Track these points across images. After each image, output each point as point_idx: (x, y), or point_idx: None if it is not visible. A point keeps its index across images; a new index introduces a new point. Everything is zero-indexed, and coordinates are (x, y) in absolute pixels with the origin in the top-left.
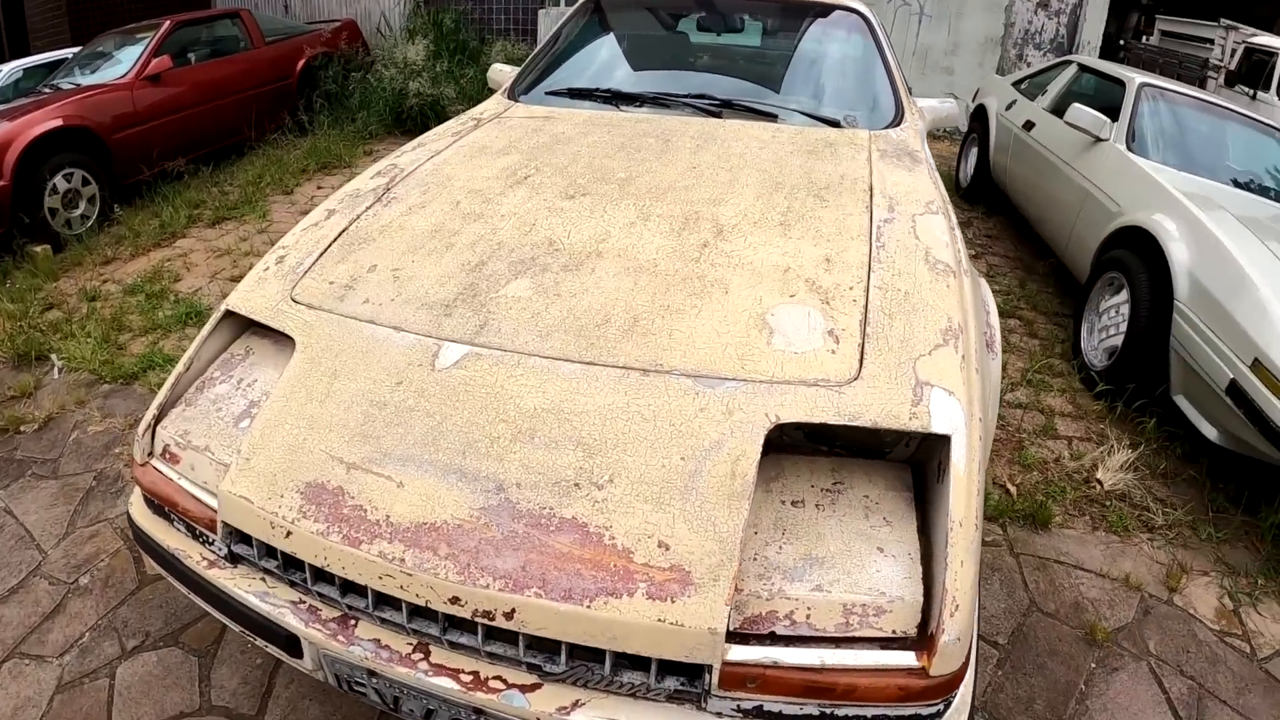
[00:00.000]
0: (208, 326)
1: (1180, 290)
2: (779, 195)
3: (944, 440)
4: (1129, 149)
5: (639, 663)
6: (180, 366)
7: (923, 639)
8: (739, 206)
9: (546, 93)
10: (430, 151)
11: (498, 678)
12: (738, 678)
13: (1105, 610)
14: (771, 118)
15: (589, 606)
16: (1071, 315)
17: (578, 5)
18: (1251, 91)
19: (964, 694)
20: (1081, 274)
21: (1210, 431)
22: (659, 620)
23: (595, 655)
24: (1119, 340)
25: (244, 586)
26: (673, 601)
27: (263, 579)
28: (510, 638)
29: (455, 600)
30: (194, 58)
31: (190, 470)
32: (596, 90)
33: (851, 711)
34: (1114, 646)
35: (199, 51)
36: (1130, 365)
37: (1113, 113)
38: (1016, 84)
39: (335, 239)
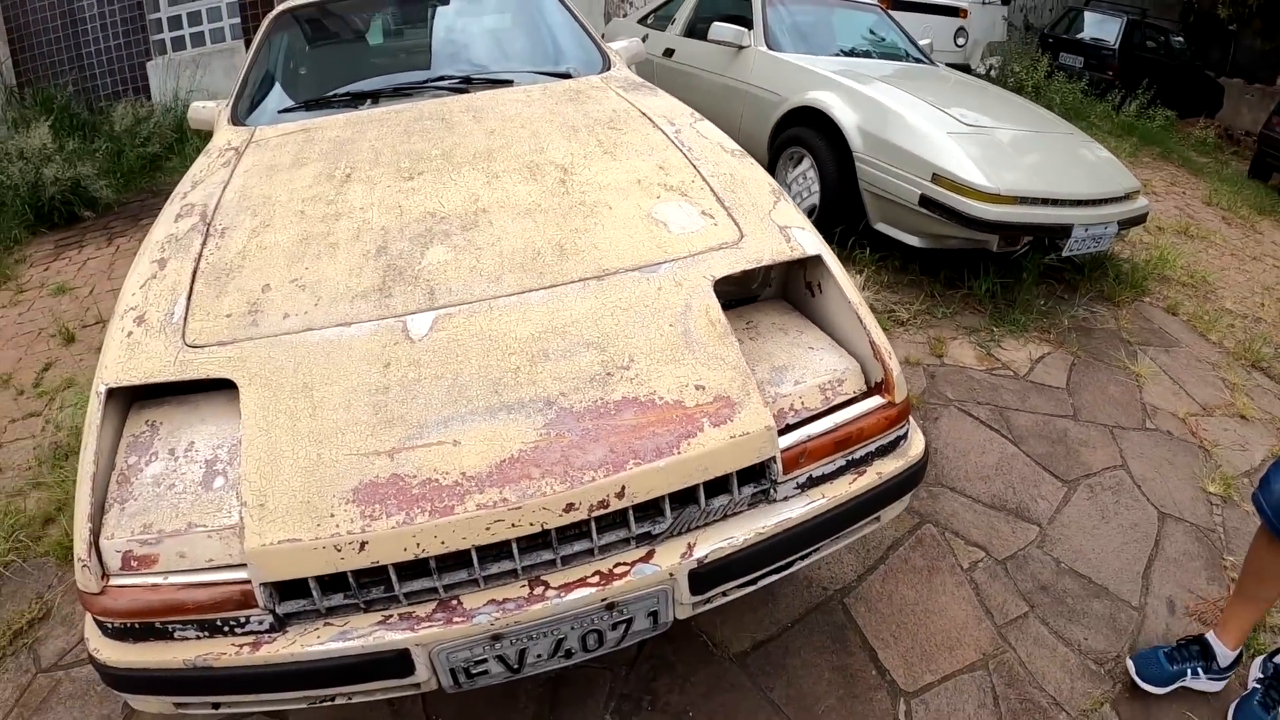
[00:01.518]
0: (94, 416)
1: (856, 145)
2: (583, 134)
3: (815, 260)
4: (770, 49)
5: (721, 489)
6: (88, 465)
7: (875, 387)
8: (561, 149)
9: (279, 111)
10: (218, 183)
11: (618, 564)
12: (792, 459)
13: (907, 385)
14: (509, 83)
15: (679, 453)
16: None
17: (265, 26)
18: None
19: (913, 419)
20: (760, 161)
21: (913, 240)
22: (731, 437)
23: (686, 500)
24: (815, 200)
25: (315, 642)
26: (732, 420)
27: (326, 624)
28: (617, 522)
29: (570, 507)
30: None
31: (180, 560)
32: (335, 97)
33: (861, 452)
34: (927, 405)
35: None
36: (831, 215)
37: (743, 23)
38: (643, 20)
39: (192, 280)
